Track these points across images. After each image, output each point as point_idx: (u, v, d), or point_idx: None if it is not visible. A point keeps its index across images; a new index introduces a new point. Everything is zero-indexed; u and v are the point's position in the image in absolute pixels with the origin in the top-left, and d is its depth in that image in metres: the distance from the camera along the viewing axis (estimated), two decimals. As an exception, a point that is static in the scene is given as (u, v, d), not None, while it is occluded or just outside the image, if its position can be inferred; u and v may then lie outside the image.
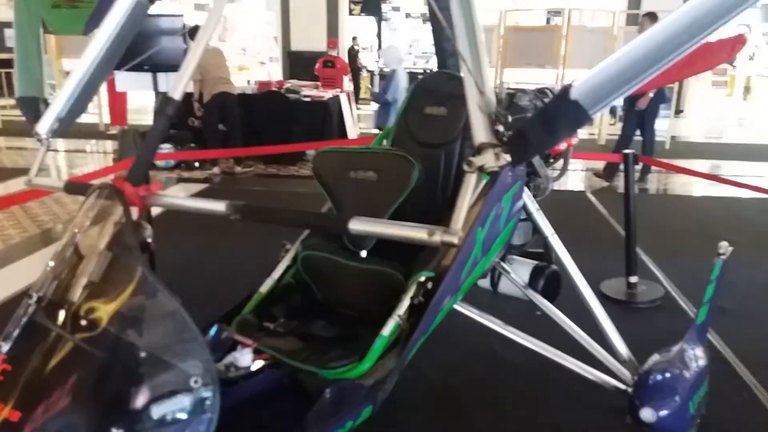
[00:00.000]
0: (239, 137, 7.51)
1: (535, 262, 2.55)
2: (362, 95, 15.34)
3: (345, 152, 2.39)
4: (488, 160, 1.45)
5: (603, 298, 3.73)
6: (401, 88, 6.86)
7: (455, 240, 1.33)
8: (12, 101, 12.66)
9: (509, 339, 2.34)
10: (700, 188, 7.15)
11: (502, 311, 2.45)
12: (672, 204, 6.65)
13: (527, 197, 2.32)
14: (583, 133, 9.89)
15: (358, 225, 1.42)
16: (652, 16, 6.26)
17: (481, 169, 1.45)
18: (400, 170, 2.04)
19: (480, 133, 1.48)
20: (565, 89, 1.38)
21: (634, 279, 3.92)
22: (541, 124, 1.45)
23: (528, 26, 11.13)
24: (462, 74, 1.53)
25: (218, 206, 1.54)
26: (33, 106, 1.92)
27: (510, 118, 1.48)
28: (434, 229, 1.35)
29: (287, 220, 1.67)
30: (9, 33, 10.25)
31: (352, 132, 9.33)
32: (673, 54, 1.29)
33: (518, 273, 2.53)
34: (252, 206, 1.55)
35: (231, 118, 7.52)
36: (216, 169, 7.46)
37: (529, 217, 2.39)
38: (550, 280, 2.52)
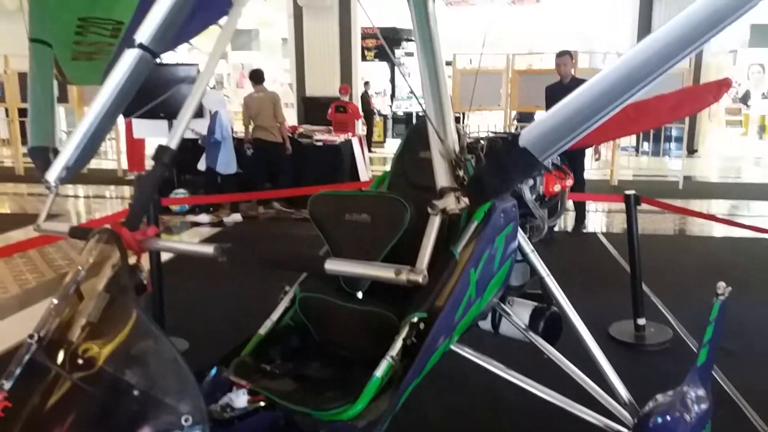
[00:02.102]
0: (285, 181, 7.77)
1: (535, 303, 2.56)
2: (375, 138, 15.61)
3: (340, 195, 2.45)
4: (449, 203, 1.53)
5: (611, 341, 3.70)
6: (225, 128, 7.40)
7: (420, 279, 1.41)
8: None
9: (510, 381, 2.34)
10: (710, 228, 7.11)
11: (504, 353, 2.45)
12: (683, 244, 6.61)
13: (522, 238, 2.35)
14: (595, 173, 9.91)
15: (333, 265, 1.50)
16: (560, 55, 6.62)
17: (443, 212, 1.52)
18: (393, 212, 2.08)
19: (442, 177, 1.57)
20: (515, 137, 1.45)
21: (642, 321, 3.89)
22: (494, 170, 1.54)
23: (537, 69, 11.31)
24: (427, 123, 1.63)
25: (207, 249, 1.61)
26: (43, 156, 2.02)
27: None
28: (401, 269, 1.42)
29: (267, 261, 1.74)
30: (34, 83, 10.65)
31: (364, 175, 9.45)
32: (615, 103, 1.36)
33: (518, 314, 2.53)
34: (236, 249, 1.62)
35: (273, 164, 7.84)
36: (238, 216, 7.59)
37: (525, 258, 2.42)
38: (551, 322, 2.51)
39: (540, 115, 6.33)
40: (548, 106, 6.35)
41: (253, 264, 1.67)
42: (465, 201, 1.52)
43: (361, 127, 12.58)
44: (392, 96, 18.64)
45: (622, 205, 3.99)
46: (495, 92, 9.68)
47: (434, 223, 1.50)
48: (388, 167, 9.38)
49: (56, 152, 2.02)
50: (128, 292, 1.47)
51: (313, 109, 13.88)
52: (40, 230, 1.92)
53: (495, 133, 2.63)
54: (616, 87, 1.38)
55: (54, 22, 2.93)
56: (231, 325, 2.77)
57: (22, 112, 11.23)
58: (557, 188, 2.54)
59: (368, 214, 2.17)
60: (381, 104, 17.55)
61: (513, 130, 9.44)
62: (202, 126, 7.42)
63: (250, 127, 7.79)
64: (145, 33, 1.91)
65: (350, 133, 9.91)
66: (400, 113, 18.54)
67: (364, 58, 16.41)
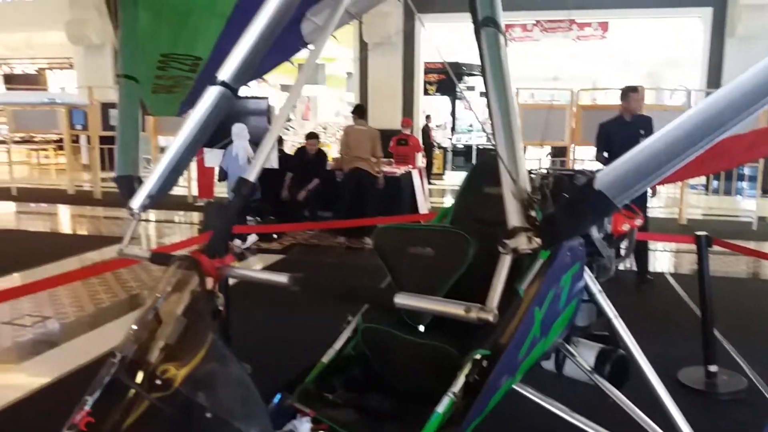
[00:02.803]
0: (372, 210, 7.93)
1: (602, 345, 2.50)
2: (434, 170, 15.68)
3: (404, 229, 2.48)
4: (521, 242, 1.52)
5: (680, 387, 3.54)
6: (239, 158, 7.45)
7: (490, 317, 1.40)
8: (111, 174, 13.80)
9: (574, 425, 2.28)
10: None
11: (568, 395, 2.39)
12: (757, 288, 6.28)
13: (588, 277, 2.32)
14: (663, 212, 9.60)
15: (402, 299, 1.51)
16: (633, 90, 6.12)
17: (514, 251, 1.52)
18: (457, 247, 2.09)
19: (513, 217, 1.57)
20: (590, 179, 1.44)
21: (713, 368, 3.71)
22: (568, 212, 1.53)
23: (602, 105, 11.14)
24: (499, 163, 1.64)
25: (281, 278, 1.67)
26: (128, 184, 2.15)
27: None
28: (471, 306, 1.42)
29: (339, 293, 1.78)
30: (113, 113, 11.31)
31: (423, 207, 9.49)
32: (697, 146, 1.34)
33: (584, 356, 2.47)
34: (309, 279, 1.66)
35: (364, 193, 8.06)
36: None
37: (592, 299, 2.37)
38: (618, 365, 2.44)
39: (594, 152, 6.15)
40: (603, 143, 6.02)
41: (324, 295, 1.71)
42: (537, 241, 1.52)
43: (421, 160, 12.66)
44: (452, 129, 18.74)
45: (691, 245, 3.85)
46: (559, 127, 9.58)
47: (505, 262, 1.50)
48: (447, 199, 9.44)
49: (140, 181, 2.15)
50: (205, 317, 1.54)
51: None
52: (123, 254, 2.03)
53: (561, 170, 2.61)
54: (699, 130, 1.35)
55: (139, 59, 3.12)
56: (293, 351, 2.82)
57: (103, 140, 11.95)
58: (626, 227, 2.50)
59: (432, 247, 2.19)
60: (441, 137, 17.66)
61: (575, 167, 9.28)
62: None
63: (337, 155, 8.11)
64: (227, 71, 2.02)
65: (411, 166, 10.00)
66: (459, 146, 18.60)
67: (426, 91, 16.61)
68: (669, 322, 4.79)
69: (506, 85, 1.78)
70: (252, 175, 1.79)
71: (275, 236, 7.99)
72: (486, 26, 1.86)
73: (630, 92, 6.08)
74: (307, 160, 8.38)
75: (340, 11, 2.14)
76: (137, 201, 2.05)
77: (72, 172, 12.69)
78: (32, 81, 20.22)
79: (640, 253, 5.96)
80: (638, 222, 2.53)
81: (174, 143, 2.06)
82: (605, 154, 5.99)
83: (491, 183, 2.55)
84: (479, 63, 1.92)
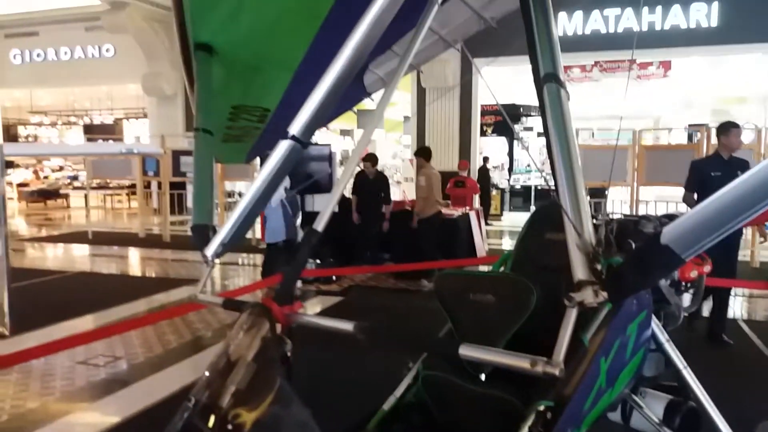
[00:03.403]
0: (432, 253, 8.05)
1: (671, 396, 2.41)
2: (492, 211, 15.59)
3: (465, 275, 2.50)
4: (587, 296, 1.52)
5: (759, 442, 3.34)
6: (273, 203, 7.42)
7: (556, 372, 1.39)
8: (179, 218, 14.42)
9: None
10: None
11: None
12: None
13: (656, 326, 2.26)
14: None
15: (467, 351, 1.52)
16: (734, 125, 5.41)
17: (580, 305, 1.51)
18: (518, 295, 2.09)
19: (579, 270, 1.57)
20: (657, 234, 1.43)
21: (796, 423, 3.48)
22: (634, 266, 1.51)
23: (665, 145, 10.88)
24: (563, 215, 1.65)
25: (347, 326, 1.71)
26: (203, 233, 2.26)
27: (633, 245, 1.53)
28: (537, 360, 1.42)
29: (404, 343, 1.80)
30: (183, 160, 11.89)
31: (481, 249, 9.43)
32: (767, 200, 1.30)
33: (652, 408, 2.39)
34: (375, 328, 1.70)
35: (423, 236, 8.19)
36: (425, 282, 7.86)
37: (659, 348, 2.31)
38: (688, 418, 2.35)
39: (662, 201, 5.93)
40: (694, 184, 5.48)
41: (390, 344, 1.74)
42: (603, 295, 1.51)
43: (478, 201, 12.65)
44: (510, 169, 18.65)
45: (765, 291, 3.68)
46: (621, 167, 9.40)
47: (571, 316, 1.50)
48: (505, 240, 9.33)
49: (214, 230, 2.27)
50: (274, 363, 1.60)
51: (432, 183, 14.20)
52: (197, 300, 2.13)
53: (625, 215, 2.58)
54: None
55: (212, 111, 3.31)
56: (354, 395, 2.85)
57: (172, 186, 12.55)
58: (694, 274, 2.43)
59: (493, 295, 2.19)
60: (499, 178, 17.60)
61: (638, 212, 9.01)
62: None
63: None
64: (297, 126, 2.13)
65: (468, 207, 10.00)
66: (517, 187, 18.47)
67: (483, 133, 16.69)
68: (744, 372, 4.55)
69: (569, 139, 1.79)
70: (320, 226, 1.87)
71: (334, 278, 8.10)
72: (548, 82, 1.90)
73: (731, 128, 5.39)
74: (368, 183, 8.49)
75: (404, 66, 2.24)
76: (211, 249, 2.16)
77: (143, 216, 13.33)
78: (109, 130, 21.54)
79: (721, 303, 5.44)
80: (707, 268, 2.46)
81: (246, 194, 2.17)
82: (695, 196, 5.47)
83: (552, 229, 2.54)
84: (536, 104, 1.96)
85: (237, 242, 2.22)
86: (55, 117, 23.19)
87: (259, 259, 10.05)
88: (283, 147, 2.15)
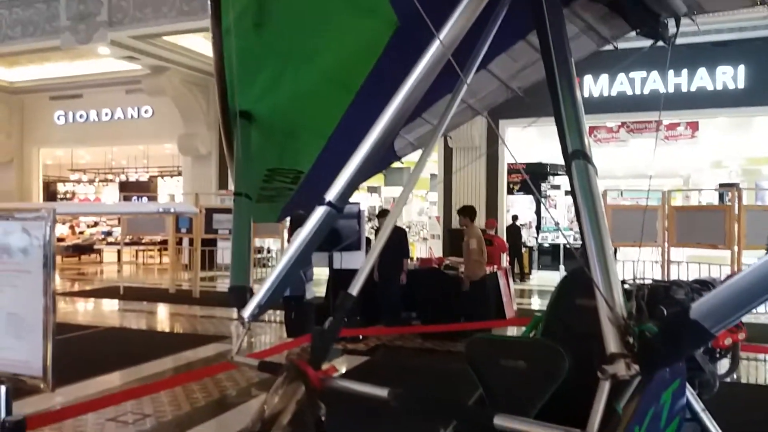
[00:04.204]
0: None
1: (710, 467, 2.35)
2: (520, 270, 15.45)
3: (496, 340, 2.50)
4: (619, 369, 1.54)
5: None
6: None
7: None
8: (210, 273, 14.60)
9: None
10: None
11: None
12: None
13: (691, 395, 2.23)
14: (765, 317, 8.90)
15: (502, 421, 1.54)
16: None
17: (613, 377, 1.52)
18: (551, 362, 2.09)
19: (611, 343, 1.60)
20: (686, 308, 1.46)
21: None
22: (664, 340, 1.54)
23: (696, 205, 10.79)
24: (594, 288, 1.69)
25: (381, 392, 1.74)
26: (241, 295, 2.33)
27: (665, 311, 1.56)
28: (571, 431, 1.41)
29: (437, 411, 1.81)
30: (216, 217, 12.15)
31: (509, 308, 9.33)
32: None
33: (690, 479, 2.33)
34: (408, 395, 1.72)
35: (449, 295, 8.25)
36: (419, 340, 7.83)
37: (695, 417, 2.27)
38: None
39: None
40: None
41: (424, 412, 1.76)
42: (635, 368, 1.54)
43: (506, 260, 12.57)
44: (538, 228, 18.58)
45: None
46: (651, 228, 9.32)
47: (604, 388, 1.52)
48: (534, 300, 9.26)
49: (251, 291, 2.34)
50: (309, 427, 1.63)
51: (458, 240, 14.18)
52: (233, 362, 2.19)
53: (655, 280, 2.58)
54: None
55: (250, 175, 3.45)
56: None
57: (204, 242, 12.78)
58: (728, 342, 2.41)
59: (525, 361, 2.19)
60: (526, 236, 17.53)
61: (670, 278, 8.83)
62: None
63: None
64: (333, 192, 2.23)
65: (495, 266, 9.95)
66: (545, 245, 18.33)
67: (510, 191, 16.75)
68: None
69: (599, 215, 1.84)
70: (355, 290, 1.92)
71: (360, 337, 8.06)
72: (576, 158, 1.96)
73: None
74: (387, 238, 8.47)
75: (437, 136, 2.34)
76: (248, 310, 2.22)
77: (174, 272, 13.54)
78: (144, 187, 22.17)
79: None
80: (741, 336, 2.43)
81: (284, 257, 2.25)
82: None
83: (583, 295, 2.55)
84: (563, 163, 2.01)
85: (273, 304, 2.28)
86: (93, 174, 24.02)
87: (279, 315, 10.06)
88: (319, 212, 2.23)
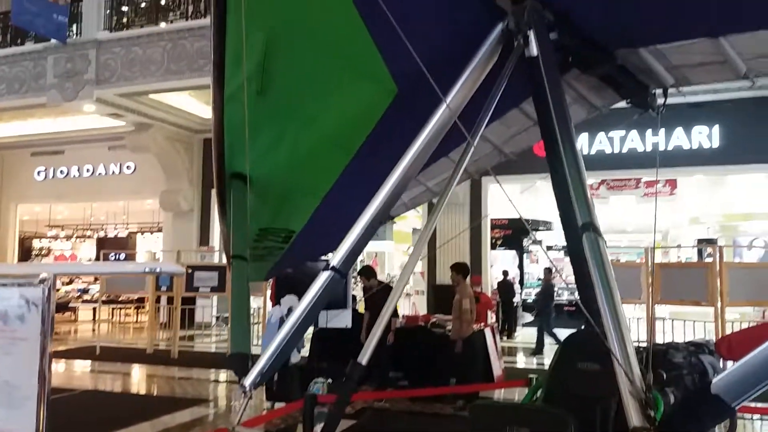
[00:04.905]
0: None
1: None
2: (502, 327, 15.34)
3: (501, 406, 2.47)
4: None
5: None
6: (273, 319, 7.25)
7: None
8: (189, 332, 14.23)
9: None
10: None
11: None
12: None
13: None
14: None
15: None
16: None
17: None
18: (556, 428, 2.06)
19: (632, 416, 1.60)
20: (706, 384, 1.47)
21: None
22: (685, 416, 1.55)
23: (678, 262, 10.94)
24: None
25: None
26: (242, 362, 2.26)
27: (664, 375, 1.57)
28: None
29: None
30: (198, 275, 11.95)
31: (497, 366, 9.18)
32: None
33: None
34: None
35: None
36: (460, 403, 7.44)
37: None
38: None
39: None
40: None
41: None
42: None
43: (491, 317, 12.49)
44: (521, 283, 18.58)
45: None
46: (634, 285, 9.37)
47: None
48: (519, 357, 9.16)
49: (252, 359, 2.27)
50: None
51: (444, 297, 14.09)
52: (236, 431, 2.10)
53: (669, 344, 2.57)
54: None
55: (244, 236, 3.42)
56: None
57: (184, 300, 12.51)
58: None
59: (530, 428, 2.16)
60: (518, 291, 17.51)
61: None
62: None
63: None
64: (337, 258, 2.20)
65: (482, 324, 9.85)
66: (529, 300, 18.28)
67: (493, 246, 16.82)
68: None
69: (612, 287, 1.86)
70: (365, 359, 1.87)
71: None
72: (586, 231, 2.00)
73: None
74: (377, 297, 8.34)
75: (442, 203, 2.34)
76: (250, 379, 2.15)
77: (152, 331, 13.17)
78: (122, 244, 21.78)
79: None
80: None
81: (286, 325, 2.20)
82: None
83: (584, 358, 2.54)
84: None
85: (274, 372, 2.22)
86: (71, 230, 23.63)
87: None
88: (323, 277, 2.20)
